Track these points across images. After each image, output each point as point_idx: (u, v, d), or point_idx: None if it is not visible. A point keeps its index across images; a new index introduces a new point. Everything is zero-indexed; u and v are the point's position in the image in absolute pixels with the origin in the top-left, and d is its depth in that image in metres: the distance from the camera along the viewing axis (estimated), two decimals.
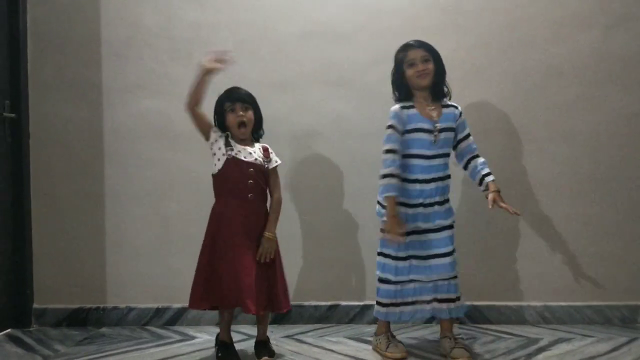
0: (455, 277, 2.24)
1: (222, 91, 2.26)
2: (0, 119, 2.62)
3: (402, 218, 2.21)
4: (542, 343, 2.41)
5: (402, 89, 2.26)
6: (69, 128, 2.77)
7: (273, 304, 2.20)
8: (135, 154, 2.76)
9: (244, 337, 2.49)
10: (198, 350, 2.34)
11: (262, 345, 2.27)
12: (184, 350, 2.38)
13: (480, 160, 2.29)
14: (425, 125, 2.21)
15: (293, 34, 2.75)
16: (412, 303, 2.25)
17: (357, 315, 2.73)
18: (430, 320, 2.67)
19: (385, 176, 2.19)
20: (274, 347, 2.32)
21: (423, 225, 2.22)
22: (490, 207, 2.21)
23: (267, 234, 2.18)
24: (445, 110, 2.26)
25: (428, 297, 2.24)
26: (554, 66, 2.72)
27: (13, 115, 2.67)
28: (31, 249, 2.76)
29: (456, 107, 2.29)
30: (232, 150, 2.17)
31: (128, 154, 2.77)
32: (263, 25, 2.76)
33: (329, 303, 2.76)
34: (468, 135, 2.31)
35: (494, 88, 2.73)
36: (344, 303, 2.75)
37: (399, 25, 2.72)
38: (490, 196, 2.22)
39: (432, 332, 2.58)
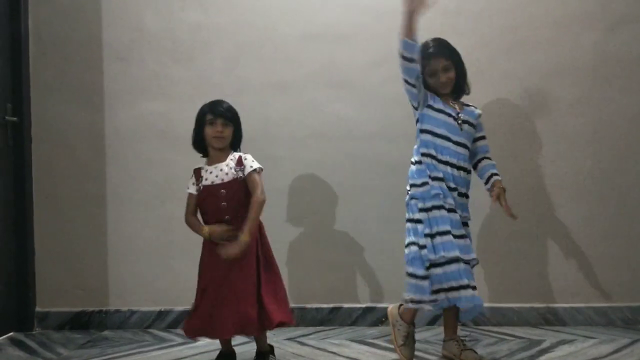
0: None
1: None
2: (2, 122, 2.62)
3: (438, 190, 2.15)
4: (544, 345, 2.41)
5: (428, 90, 2.26)
6: (71, 131, 2.77)
7: (266, 321, 2.06)
8: (137, 156, 2.76)
9: (247, 340, 2.49)
10: (200, 353, 2.35)
11: (262, 357, 2.22)
12: (187, 353, 2.39)
13: (492, 162, 2.29)
14: (450, 111, 2.22)
15: (294, 35, 2.75)
16: (456, 288, 2.11)
17: (360, 317, 2.74)
18: (432, 322, 2.67)
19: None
20: (276, 350, 2.32)
21: (460, 213, 2.19)
22: (493, 201, 2.20)
23: (241, 238, 2.02)
24: (467, 108, 2.27)
25: (455, 284, 2.10)
26: (555, 67, 2.71)
27: (15, 118, 2.67)
28: (33, 252, 2.77)
29: (476, 108, 2.30)
30: (202, 180, 2.13)
31: (130, 156, 2.77)
32: (264, 27, 2.76)
33: (331, 305, 2.76)
34: (483, 137, 2.30)
35: (494, 89, 2.73)
36: (346, 305, 2.76)
37: (400, 27, 2.71)
38: (496, 190, 2.21)
39: (433, 334, 2.58)
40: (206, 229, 2.09)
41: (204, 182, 2.13)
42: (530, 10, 2.72)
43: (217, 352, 2.23)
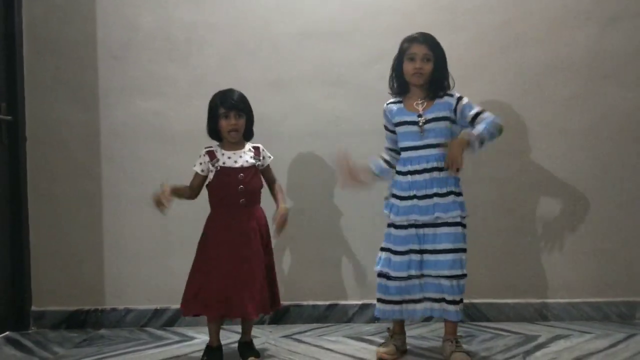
0: (459, 277, 2.15)
1: (219, 90, 2.26)
2: None
3: (396, 210, 2.21)
4: (540, 340, 2.41)
5: (399, 80, 2.26)
6: (66, 130, 2.76)
7: (273, 302, 2.26)
8: (133, 155, 2.76)
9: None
10: (197, 351, 2.34)
11: (247, 345, 2.28)
12: (183, 351, 2.38)
13: (490, 117, 2.18)
14: (409, 118, 2.21)
15: (290, 33, 2.75)
16: (419, 301, 2.21)
17: (356, 314, 2.74)
18: (429, 318, 2.67)
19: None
20: (273, 347, 2.33)
21: (420, 218, 2.18)
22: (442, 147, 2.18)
23: (282, 206, 2.27)
24: (438, 101, 2.22)
25: (436, 295, 2.18)
26: (551, 63, 2.72)
27: (9, 117, 2.67)
28: (29, 252, 2.76)
29: (452, 95, 2.22)
30: (218, 161, 2.20)
31: (125, 155, 2.77)
32: (260, 25, 2.76)
33: (327, 302, 2.77)
34: (481, 112, 2.19)
35: (490, 85, 2.73)
36: (342, 302, 2.76)
37: (396, 24, 2.71)
38: (456, 142, 2.15)
39: (430, 330, 2.58)
40: (166, 186, 2.14)
41: (221, 164, 2.20)
42: (525, 6, 2.72)
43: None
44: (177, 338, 2.57)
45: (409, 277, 2.19)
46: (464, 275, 2.17)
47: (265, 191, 2.32)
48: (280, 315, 2.74)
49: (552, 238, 2.73)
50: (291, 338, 2.53)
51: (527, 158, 2.74)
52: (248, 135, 2.29)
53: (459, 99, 2.22)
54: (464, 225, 2.20)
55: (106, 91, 2.76)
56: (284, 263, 2.77)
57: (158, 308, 2.75)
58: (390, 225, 2.24)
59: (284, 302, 2.71)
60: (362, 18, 2.74)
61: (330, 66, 2.75)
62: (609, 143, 2.72)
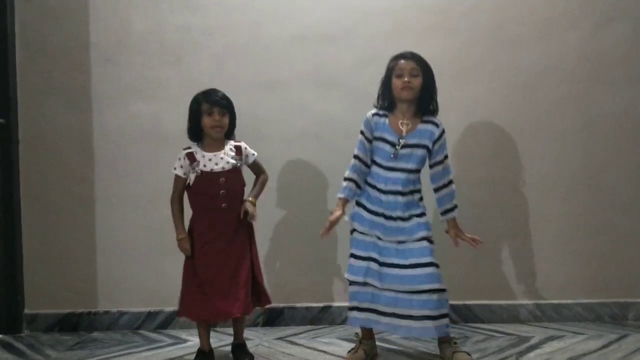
0: (427, 291, 2.12)
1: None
2: None
3: (361, 220, 2.24)
4: (533, 341, 2.42)
5: (386, 98, 2.25)
6: (59, 133, 2.76)
7: (261, 300, 2.26)
8: (126, 158, 2.76)
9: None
10: (190, 354, 2.34)
11: (240, 347, 2.29)
12: (176, 354, 2.38)
13: (452, 189, 2.26)
14: (389, 137, 2.21)
15: (282, 36, 2.76)
16: (371, 311, 2.20)
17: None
18: None
19: (345, 179, 2.27)
20: (266, 349, 2.32)
21: (383, 237, 2.20)
22: (454, 245, 2.28)
23: (248, 201, 2.24)
24: (422, 126, 2.22)
25: (404, 312, 2.15)
26: (542, 65, 2.73)
27: (2, 120, 2.66)
28: (22, 254, 2.75)
29: (437, 126, 2.22)
30: (198, 164, 2.19)
31: (118, 158, 2.76)
32: (252, 28, 2.76)
33: (321, 304, 2.77)
34: (445, 159, 2.24)
35: (482, 88, 2.74)
36: (336, 304, 2.76)
37: (388, 27, 2.73)
38: (452, 234, 2.28)
39: None
40: (183, 236, 2.19)
41: (202, 168, 2.19)
42: (517, 9, 2.73)
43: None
44: (170, 341, 2.57)
45: (365, 284, 2.20)
46: (440, 290, 2.14)
47: (247, 192, 2.32)
48: (273, 318, 2.74)
49: (544, 239, 2.74)
50: (285, 340, 2.53)
51: (520, 159, 2.75)
52: (230, 134, 2.28)
53: (443, 132, 2.23)
54: (431, 241, 2.20)
55: (99, 94, 2.76)
56: (277, 265, 2.77)
57: (151, 311, 2.74)
58: (353, 231, 2.28)
59: (278, 305, 2.73)
60: (355, 21, 2.75)
61: (322, 68, 2.76)
62: (601, 144, 2.73)
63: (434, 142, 2.21)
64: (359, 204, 2.27)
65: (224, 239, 2.17)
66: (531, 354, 2.26)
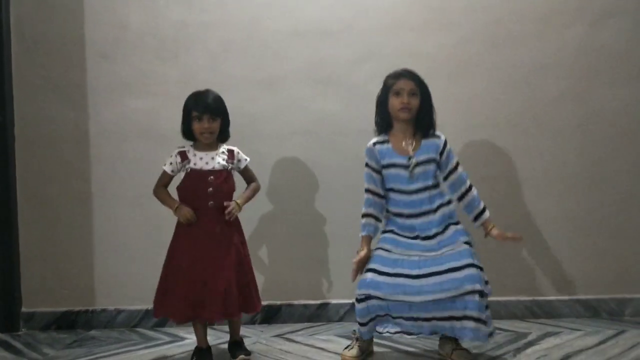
0: (469, 292, 2.04)
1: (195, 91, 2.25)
2: None
3: (391, 242, 2.20)
4: (530, 337, 2.43)
5: (383, 116, 2.24)
6: (55, 129, 2.75)
7: (247, 305, 2.22)
8: (122, 155, 2.75)
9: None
10: (187, 352, 2.34)
11: (237, 345, 2.28)
12: (174, 352, 2.38)
13: (474, 193, 2.24)
14: (399, 161, 2.20)
15: (280, 32, 2.74)
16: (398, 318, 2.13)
17: (347, 313, 2.73)
18: None
19: (363, 215, 2.26)
20: (264, 346, 2.32)
21: (423, 254, 2.14)
22: (502, 239, 2.23)
23: (234, 201, 2.21)
24: (425, 141, 2.21)
25: (422, 315, 2.10)
26: (540, 62, 2.72)
27: None
28: (19, 252, 2.74)
29: (439, 137, 2.23)
30: (189, 162, 2.20)
31: (115, 155, 2.75)
32: (249, 24, 2.75)
33: (318, 302, 2.77)
34: (457, 166, 2.23)
35: (480, 84, 2.73)
36: (333, 301, 2.76)
37: (386, 23, 2.72)
38: (496, 233, 2.22)
39: None
40: (177, 204, 2.19)
41: (192, 166, 2.20)
42: (515, 5, 2.72)
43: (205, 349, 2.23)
44: (167, 338, 2.56)
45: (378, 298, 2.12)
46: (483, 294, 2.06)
47: (243, 189, 2.32)
48: (271, 315, 2.74)
49: (542, 236, 2.74)
50: (283, 337, 2.53)
51: (518, 156, 2.74)
52: (224, 136, 2.27)
53: (446, 142, 2.23)
54: (470, 244, 2.15)
55: (95, 90, 2.75)
56: (275, 263, 2.77)
57: (149, 308, 2.73)
58: (376, 249, 2.22)
59: (275, 302, 2.73)
60: (353, 17, 2.73)
61: (320, 65, 2.75)
62: (600, 140, 2.73)
63: (441, 154, 2.21)
64: (387, 231, 2.24)
65: (210, 238, 2.16)
66: (528, 350, 2.26)
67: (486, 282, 2.11)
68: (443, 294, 2.04)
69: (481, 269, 2.09)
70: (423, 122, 2.21)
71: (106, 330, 2.70)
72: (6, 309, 2.71)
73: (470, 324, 2.04)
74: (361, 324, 2.17)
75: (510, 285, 2.74)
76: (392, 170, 2.21)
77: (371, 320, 2.15)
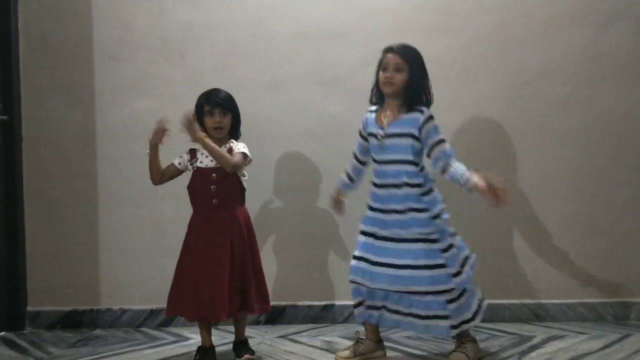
0: (428, 293, 2.11)
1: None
2: None
3: (365, 220, 2.27)
4: (535, 341, 2.42)
5: (375, 90, 2.28)
6: (62, 129, 2.76)
7: (247, 305, 2.21)
8: (129, 155, 2.75)
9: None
10: (192, 352, 2.33)
11: (242, 345, 2.29)
12: (178, 352, 2.39)
13: (456, 164, 2.14)
14: (374, 130, 2.22)
15: (285, 33, 2.75)
16: (379, 308, 2.24)
17: (352, 314, 2.72)
18: None
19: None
20: (268, 347, 2.32)
21: (380, 232, 2.19)
22: (482, 190, 2.06)
23: (204, 136, 2.16)
24: (407, 115, 2.17)
25: (393, 307, 2.21)
26: (546, 65, 2.72)
27: (5, 117, 2.66)
28: (24, 252, 2.75)
29: (422, 112, 2.15)
30: (196, 161, 2.23)
31: (121, 155, 2.76)
32: (255, 25, 2.75)
33: (323, 303, 2.77)
34: (440, 142, 2.15)
35: (485, 87, 2.73)
36: (338, 303, 2.76)
37: (391, 25, 2.72)
38: (479, 184, 2.05)
39: None
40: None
41: (198, 164, 2.23)
42: (521, 8, 2.72)
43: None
44: (172, 338, 2.57)
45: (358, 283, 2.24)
46: (437, 293, 2.11)
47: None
48: (276, 316, 2.74)
49: (547, 239, 2.73)
50: (287, 338, 2.53)
51: (523, 159, 2.74)
52: (234, 134, 2.29)
53: (428, 118, 2.15)
54: (430, 241, 2.14)
55: (102, 91, 2.76)
56: (279, 264, 2.77)
57: (153, 308, 2.75)
58: (360, 232, 2.28)
59: (280, 303, 2.73)
60: (358, 19, 2.74)
61: (325, 67, 2.75)
62: (603, 145, 2.73)
63: (420, 129, 2.15)
64: (368, 208, 2.27)
65: (215, 236, 2.17)
66: (533, 354, 2.26)
67: (455, 274, 2.14)
68: (391, 287, 2.16)
69: (442, 266, 2.12)
70: (410, 98, 2.19)
71: (111, 330, 2.71)
72: (12, 307, 2.72)
73: (420, 322, 2.16)
74: (354, 305, 2.29)
75: (515, 288, 2.73)
76: (372, 140, 2.25)
77: (360, 304, 2.25)
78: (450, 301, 2.13)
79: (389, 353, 2.31)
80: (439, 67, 2.69)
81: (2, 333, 2.68)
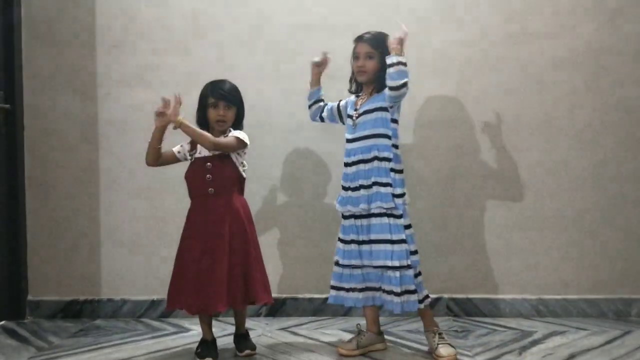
0: (399, 267, 2.12)
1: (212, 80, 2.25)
2: None
3: (339, 199, 2.29)
4: (536, 336, 2.42)
5: (353, 80, 2.33)
6: (64, 119, 2.76)
7: (249, 296, 2.18)
8: (131, 146, 2.75)
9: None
10: (193, 342, 2.34)
11: (242, 338, 2.28)
12: (179, 342, 2.39)
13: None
14: (351, 112, 2.29)
15: (289, 25, 2.74)
16: (363, 290, 2.25)
17: (353, 307, 2.72)
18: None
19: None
20: (269, 340, 2.32)
21: (352, 209, 2.23)
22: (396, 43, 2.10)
23: (183, 119, 2.09)
24: (376, 95, 2.23)
25: (376, 285, 2.23)
26: (552, 59, 2.71)
27: (8, 106, 2.66)
28: (26, 241, 2.76)
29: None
30: (195, 152, 2.21)
31: (123, 146, 2.76)
32: (259, 17, 2.74)
33: (324, 295, 2.75)
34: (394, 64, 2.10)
35: (490, 81, 2.72)
36: None
37: (396, 18, 2.69)
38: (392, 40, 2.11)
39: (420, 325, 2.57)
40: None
41: (197, 155, 2.21)
42: (528, 1, 2.70)
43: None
44: (173, 329, 2.57)
45: (352, 266, 2.25)
46: (401, 267, 2.13)
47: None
48: (276, 308, 2.74)
49: (549, 234, 2.73)
50: (287, 331, 2.53)
51: (527, 153, 2.73)
52: (237, 126, 2.26)
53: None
54: (394, 216, 2.16)
55: (104, 81, 2.76)
56: (281, 256, 2.77)
57: (154, 299, 2.75)
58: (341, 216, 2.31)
59: (281, 295, 2.73)
60: (362, 11, 2.72)
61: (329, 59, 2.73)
62: (609, 139, 2.71)
63: (385, 98, 2.17)
64: (342, 187, 2.31)
65: (212, 226, 2.15)
66: (534, 349, 2.26)
67: (413, 253, 2.18)
68: (369, 262, 2.19)
69: (403, 241, 2.14)
70: (381, 80, 2.21)
71: (112, 320, 2.71)
72: (13, 297, 2.73)
73: (396, 298, 2.13)
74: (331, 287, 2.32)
75: (516, 284, 2.73)
76: (348, 121, 2.29)
77: (335, 287, 2.29)
78: (416, 275, 2.19)
79: (389, 346, 2.31)
80: (444, 59, 2.70)
81: (3, 322, 2.69)
